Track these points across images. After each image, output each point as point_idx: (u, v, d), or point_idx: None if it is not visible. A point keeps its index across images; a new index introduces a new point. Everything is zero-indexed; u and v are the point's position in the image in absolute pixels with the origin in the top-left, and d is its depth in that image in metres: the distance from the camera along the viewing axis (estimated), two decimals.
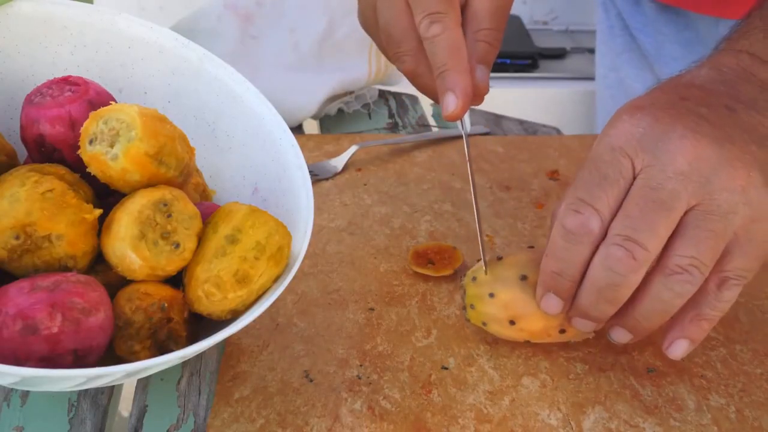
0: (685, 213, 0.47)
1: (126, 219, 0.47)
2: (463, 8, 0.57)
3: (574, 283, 0.50)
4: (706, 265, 0.47)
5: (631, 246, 0.47)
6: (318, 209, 0.71)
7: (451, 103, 0.54)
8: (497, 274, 0.54)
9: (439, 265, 0.64)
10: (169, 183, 0.50)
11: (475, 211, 0.57)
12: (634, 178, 0.48)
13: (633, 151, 0.48)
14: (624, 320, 0.50)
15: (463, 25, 0.57)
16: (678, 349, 0.51)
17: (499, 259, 0.55)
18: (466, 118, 0.58)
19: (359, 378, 0.54)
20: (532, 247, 0.58)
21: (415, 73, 0.57)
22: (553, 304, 0.51)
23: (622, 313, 0.50)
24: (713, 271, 0.48)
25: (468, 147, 0.57)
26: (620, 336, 0.52)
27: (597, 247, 0.48)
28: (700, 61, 0.55)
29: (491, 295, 0.54)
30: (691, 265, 0.47)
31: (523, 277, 0.53)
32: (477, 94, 0.56)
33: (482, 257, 0.55)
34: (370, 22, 0.60)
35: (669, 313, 0.49)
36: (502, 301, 0.54)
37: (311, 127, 0.92)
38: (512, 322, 0.54)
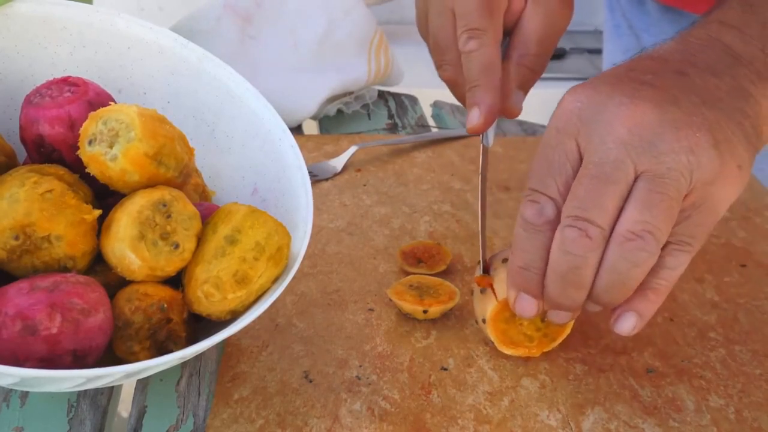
0: (635, 180, 0.45)
1: (125, 219, 0.47)
2: (514, 28, 0.60)
3: (542, 275, 0.48)
4: (660, 230, 0.45)
5: (583, 224, 0.45)
6: (317, 210, 0.71)
7: (475, 117, 0.57)
8: None
9: (431, 262, 0.64)
10: (168, 183, 0.50)
11: (480, 216, 0.57)
12: (582, 156, 0.46)
13: (575, 128, 0.46)
14: (590, 293, 0.47)
15: (510, 47, 0.60)
16: (624, 323, 0.48)
17: (505, 261, 0.55)
18: (491, 132, 0.60)
19: (359, 378, 0.54)
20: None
21: (455, 83, 0.60)
22: (528, 305, 0.49)
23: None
24: None
25: (485, 160, 0.59)
26: (591, 306, 0.49)
27: None
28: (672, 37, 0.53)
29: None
30: (644, 230, 0.44)
31: None
32: (509, 114, 0.60)
33: (481, 258, 0.55)
34: (422, 27, 0.63)
35: (629, 285, 0.46)
36: None
37: (310, 127, 0.92)
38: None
